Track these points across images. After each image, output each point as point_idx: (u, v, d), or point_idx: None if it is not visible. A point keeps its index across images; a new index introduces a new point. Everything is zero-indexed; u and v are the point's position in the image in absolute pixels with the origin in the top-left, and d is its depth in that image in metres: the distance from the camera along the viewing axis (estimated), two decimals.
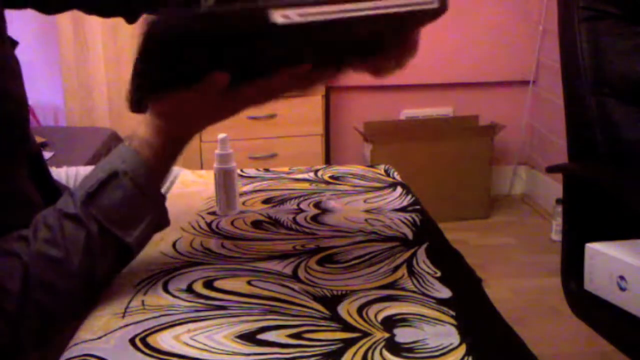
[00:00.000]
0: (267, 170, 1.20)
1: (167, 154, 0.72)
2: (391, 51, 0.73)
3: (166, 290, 0.74)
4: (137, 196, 0.71)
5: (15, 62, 0.81)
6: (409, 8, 0.62)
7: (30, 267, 0.66)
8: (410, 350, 0.62)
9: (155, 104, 0.70)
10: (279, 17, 0.57)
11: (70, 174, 1.16)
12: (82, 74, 2.61)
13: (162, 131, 0.71)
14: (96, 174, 0.71)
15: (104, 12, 0.94)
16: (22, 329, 0.66)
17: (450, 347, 0.62)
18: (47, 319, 0.68)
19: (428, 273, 0.78)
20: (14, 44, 0.82)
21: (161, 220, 0.76)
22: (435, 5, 0.63)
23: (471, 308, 0.70)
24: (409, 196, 1.04)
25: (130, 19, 0.94)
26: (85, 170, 1.17)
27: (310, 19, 0.58)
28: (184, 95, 0.68)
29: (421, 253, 0.83)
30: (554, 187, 2.86)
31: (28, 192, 0.80)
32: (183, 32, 0.59)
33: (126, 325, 0.67)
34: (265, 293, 0.73)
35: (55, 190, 0.93)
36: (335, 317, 0.67)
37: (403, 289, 0.74)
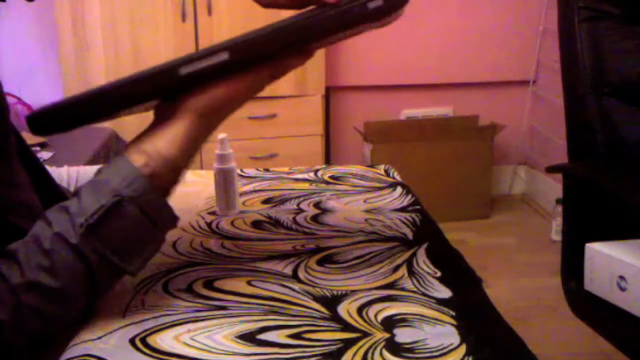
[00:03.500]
0: (267, 170, 1.20)
1: (182, 164, 0.67)
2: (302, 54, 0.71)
3: (166, 290, 0.74)
4: (144, 224, 0.65)
5: None
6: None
7: (21, 295, 0.61)
8: (410, 350, 0.62)
9: (190, 102, 0.67)
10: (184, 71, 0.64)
11: (71, 174, 1.15)
12: (82, 74, 2.60)
13: (190, 134, 0.67)
14: (97, 197, 0.63)
15: None
16: (17, 356, 0.63)
17: (450, 347, 0.62)
18: (41, 345, 0.65)
19: (428, 273, 0.78)
20: None
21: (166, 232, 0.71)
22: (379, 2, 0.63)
23: (471, 308, 0.70)
24: (409, 196, 1.04)
25: None
26: (85, 170, 1.17)
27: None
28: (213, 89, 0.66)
29: (421, 253, 0.83)
30: (554, 187, 2.86)
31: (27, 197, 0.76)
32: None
33: (126, 325, 0.67)
34: (265, 293, 0.73)
35: (53, 187, 0.92)
36: (335, 317, 0.67)
37: (403, 289, 0.74)
